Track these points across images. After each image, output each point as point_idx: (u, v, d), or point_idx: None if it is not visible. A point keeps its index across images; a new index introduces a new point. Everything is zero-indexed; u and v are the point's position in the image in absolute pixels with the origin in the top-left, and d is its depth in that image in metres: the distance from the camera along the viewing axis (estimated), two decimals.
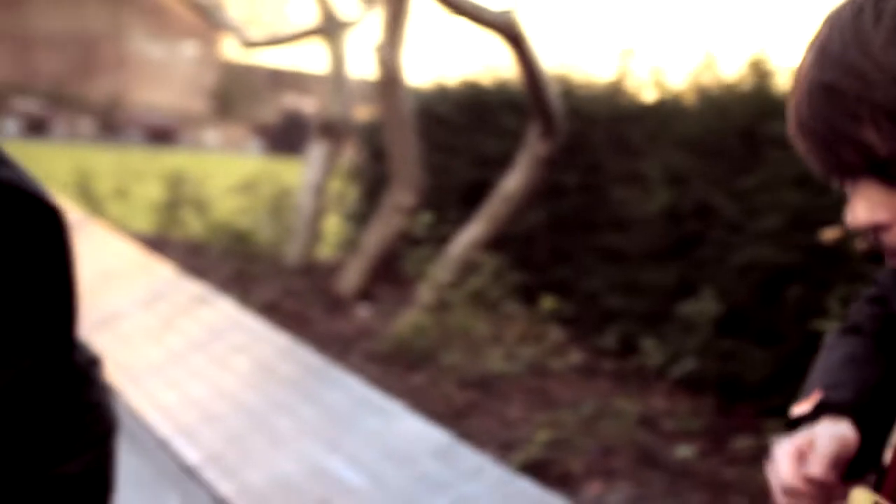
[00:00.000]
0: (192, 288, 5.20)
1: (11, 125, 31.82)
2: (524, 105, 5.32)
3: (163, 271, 5.55)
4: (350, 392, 3.82)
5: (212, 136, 34.58)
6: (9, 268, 1.81)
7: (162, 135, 31.54)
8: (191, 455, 3.76)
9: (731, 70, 4.73)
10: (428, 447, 3.32)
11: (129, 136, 31.13)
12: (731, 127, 4.47)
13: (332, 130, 6.82)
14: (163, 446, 3.92)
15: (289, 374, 4.10)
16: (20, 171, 1.74)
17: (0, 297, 1.80)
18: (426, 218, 5.32)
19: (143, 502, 3.99)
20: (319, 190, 6.69)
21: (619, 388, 4.36)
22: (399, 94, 5.82)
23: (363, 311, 5.39)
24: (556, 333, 4.74)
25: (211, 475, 3.60)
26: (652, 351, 4.35)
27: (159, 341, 4.75)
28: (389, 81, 5.78)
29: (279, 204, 7.20)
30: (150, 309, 5.09)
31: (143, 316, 5.05)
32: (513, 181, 5.21)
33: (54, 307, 1.78)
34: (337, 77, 6.86)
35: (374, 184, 6.64)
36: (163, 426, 4.02)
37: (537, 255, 5.44)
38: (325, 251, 7.09)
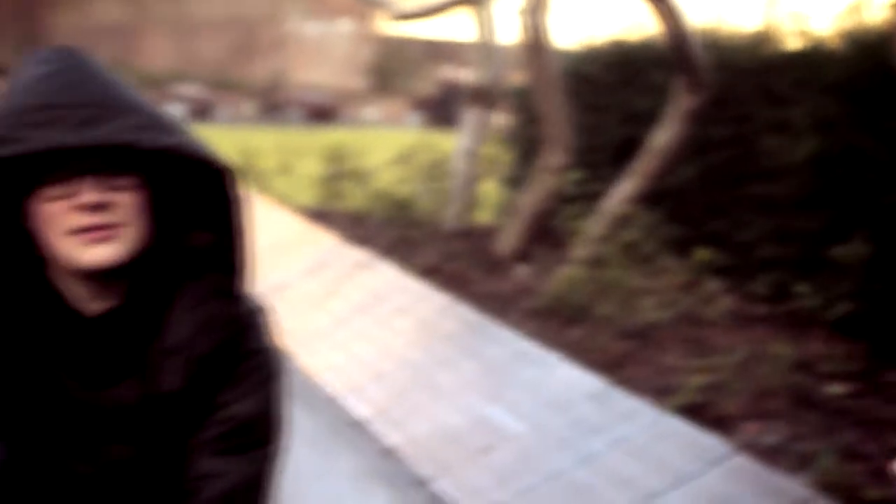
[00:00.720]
0: (355, 255, 5.40)
1: (177, 110, 32.73)
2: (671, 60, 5.37)
3: (326, 241, 5.76)
4: (508, 346, 3.95)
5: (371, 111, 34.99)
6: (182, 222, 1.99)
7: (322, 113, 32.06)
8: (359, 410, 3.95)
9: (875, 12, 4.72)
10: (584, 393, 3.44)
11: (289, 115, 31.73)
12: (878, 70, 4.46)
13: (484, 97, 6.96)
14: (333, 403, 4.12)
15: (450, 331, 4.26)
16: (188, 137, 1.92)
17: (178, 241, 1.98)
18: (576, 175, 5.42)
19: (317, 455, 4.20)
20: (474, 156, 6.85)
21: (774, 334, 4.42)
22: (546, 57, 5.92)
23: (520, 271, 5.52)
24: (710, 284, 4.80)
25: (378, 428, 3.78)
26: (808, 295, 4.39)
27: (325, 307, 4.96)
28: (536, 45, 5.89)
29: (436, 172, 7.37)
30: (316, 277, 5.30)
31: (310, 283, 5.27)
32: (662, 136, 5.28)
33: (225, 252, 1.95)
34: (486, 44, 6.99)
35: (527, 147, 6.76)
36: (332, 385, 4.21)
37: (689, 208, 5.49)
38: (482, 215, 7.23)
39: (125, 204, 1.94)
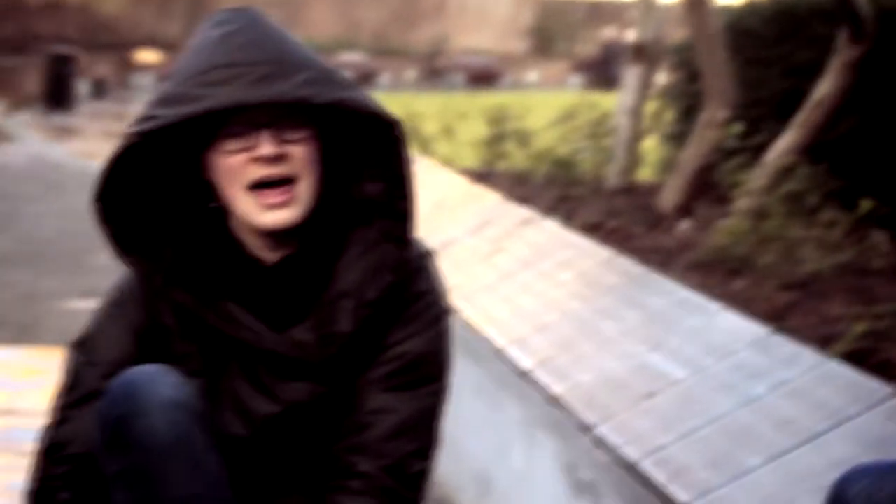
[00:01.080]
0: (519, 212, 5.50)
1: (383, 79, 33.23)
2: (833, 12, 5.34)
3: (490, 199, 5.88)
4: (670, 296, 4.02)
5: (532, 75, 34.94)
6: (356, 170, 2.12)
7: (483, 77, 32.15)
8: (524, 361, 4.06)
9: None
10: (746, 340, 3.50)
11: (451, 81, 31.92)
12: None
13: (646, 54, 6.99)
14: (499, 355, 4.24)
15: (612, 283, 4.34)
16: (359, 92, 2.04)
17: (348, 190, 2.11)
18: (737, 128, 5.43)
19: (485, 405, 4.32)
20: (636, 113, 6.89)
21: None
22: (707, 12, 5.94)
23: (683, 226, 5.56)
24: (873, 235, 4.79)
25: (543, 378, 3.89)
26: None
27: (490, 262, 5.08)
28: (697, 1, 5.90)
29: (598, 130, 7.42)
30: (480, 234, 5.42)
31: (474, 240, 5.39)
32: (824, 88, 5.26)
33: (394, 200, 2.08)
34: (646, 1, 7.02)
35: (688, 103, 6.77)
36: (498, 338, 4.33)
37: (852, 160, 5.46)
38: (644, 172, 7.27)
39: (299, 156, 2.09)
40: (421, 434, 2.14)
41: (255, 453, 2.10)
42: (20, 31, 28.72)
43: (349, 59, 33.23)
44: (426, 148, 8.40)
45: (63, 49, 25.48)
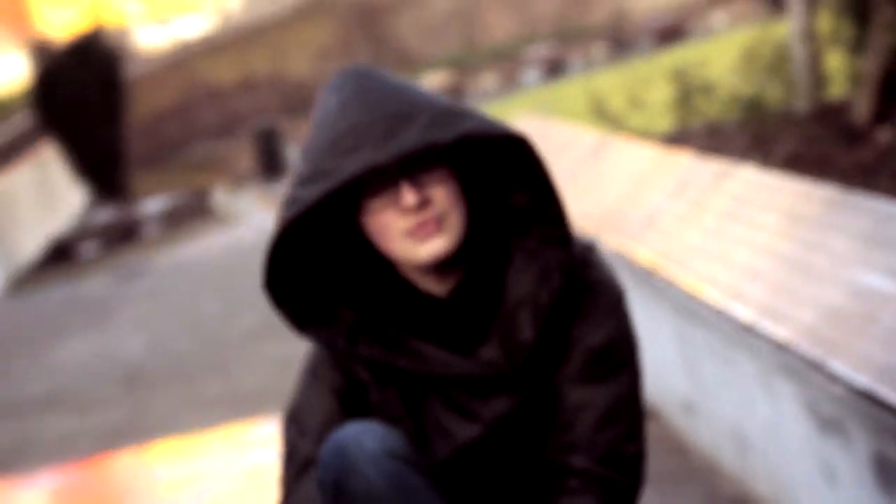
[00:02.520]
0: (714, 167, 5.45)
1: (532, 74, 33.24)
2: None
3: (684, 161, 5.84)
4: (877, 213, 3.94)
5: (719, 17, 34.20)
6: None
7: (670, 34, 31.66)
8: (746, 314, 4.04)
9: None
10: None
11: (640, 46, 31.56)
12: None
13: None
14: (721, 314, 4.22)
15: (816, 214, 4.27)
16: (481, 118, 2.10)
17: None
18: None
19: (717, 364, 4.31)
20: (808, 34, 6.74)
21: None
22: None
23: (881, 135, 5.42)
24: None
25: (768, 326, 3.86)
26: None
27: (694, 222, 5.05)
28: None
29: (777, 60, 7.28)
30: (680, 197, 5.40)
31: (676, 205, 5.37)
32: None
33: (544, 206, 2.13)
34: None
35: (860, 10, 6.58)
36: (716, 296, 4.32)
37: None
38: (833, 90, 7.10)
39: (441, 195, 2.17)
40: (626, 418, 2.19)
41: (468, 476, 2.18)
42: (222, 114, 29.83)
43: (536, 53, 33.23)
44: (617, 124, 8.39)
45: (265, 121, 26.34)
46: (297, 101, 31.78)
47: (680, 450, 4.83)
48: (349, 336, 2.16)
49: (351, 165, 2.05)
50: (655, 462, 4.55)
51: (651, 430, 4.83)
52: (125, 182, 20.92)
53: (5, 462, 7.22)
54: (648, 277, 4.93)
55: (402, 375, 2.18)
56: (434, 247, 2.12)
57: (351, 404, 2.21)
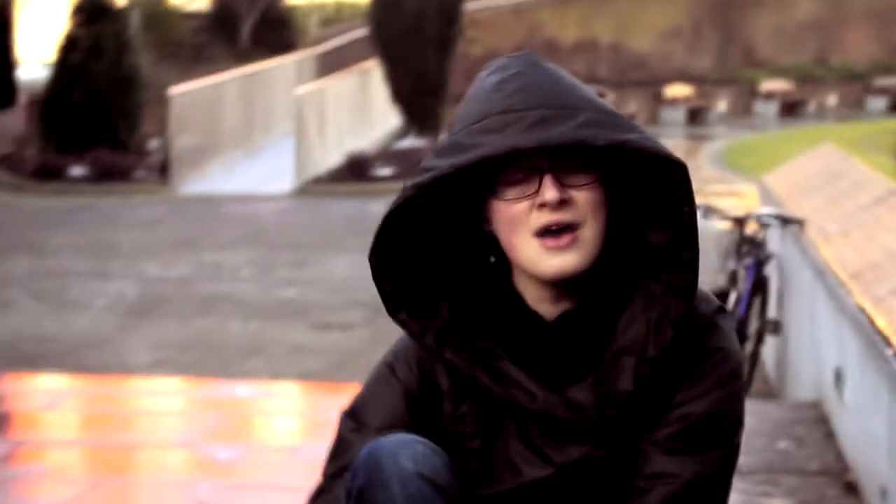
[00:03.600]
0: None
1: (878, 103, 31.91)
2: None
3: None
4: None
5: None
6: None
7: None
8: None
9: None
10: None
11: None
12: None
13: None
14: None
15: None
16: (641, 134, 1.91)
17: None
18: None
19: None
20: None
21: None
22: None
23: None
24: None
25: None
26: None
27: None
28: None
29: None
30: None
31: None
32: None
33: (680, 251, 1.92)
34: None
35: None
36: None
37: None
38: None
39: (584, 201, 1.97)
40: (702, 502, 1.95)
41: None
42: None
43: (885, 83, 31.88)
44: None
45: (592, 86, 26.23)
46: (632, 73, 31.49)
47: None
48: (438, 336, 1.99)
49: (493, 144, 1.88)
50: None
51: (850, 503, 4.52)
52: (438, 115, 21.15)
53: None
54: (880, 346, 4.55)
55: (482, 394, 2.00)
56: (563, 261, 1.92)
57: (421, 411, 2.04)
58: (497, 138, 1.88)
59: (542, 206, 1.91)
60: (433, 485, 1.87)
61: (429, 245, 2.02)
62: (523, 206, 1.93)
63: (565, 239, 1.91)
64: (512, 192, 1.94)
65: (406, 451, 1.88)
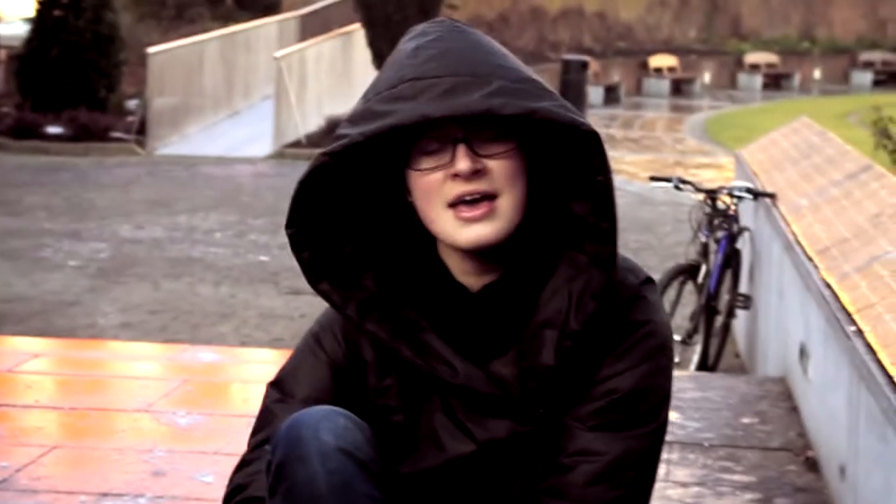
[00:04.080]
0: None
1: (864, 78, 31.91)
2: None
3: None
4: None
5: None
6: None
7: None
8: None
9: None
10: None
11: None
12: None
13: None
14: (887, 377, 3.81)
15: None
16: (555, 101, 1.86)
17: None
18: None
19: (872, 436, 3.91)
20: None
21: None
22: None
23: None
24: None
25: None
26: None
27: None
28: None
29: None
30: None
31: None
32: None
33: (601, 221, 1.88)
34: None
35: None
36: (888, 358, 3.90)
37: None
38: None
39: (499, 171, 1.93)
40: (628, 480, 1.92)
41: (447, 491, 1.96)
42: (538, 39, 29.71)
43: (870, 58, 31.87)
44: None
45: (576, 56, 26.10)
46: (616, 43, 31.39)
47: None
48: (360, 307, 1.95)
49: (404, 112, 1.83)
50: None
51: (808, 483, 4.50)
52: None
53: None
54: (843, 322, 4.52)
55: (406, 367, 1.96)
56: (478, 231, 1.88)
57: (346, 383, 2.01)
58: (408, 106, 1.84)
59: (456, 176, 1.87)
60: (354, 459, 1.83)
61: (349, 214, 1.98)
62: (437, 176, 1.89)
63: (481, 209, 1.87)
64: (426, 162, 1.90)
65: (327, 424, 1.84)
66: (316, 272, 1.96)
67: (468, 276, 1.95)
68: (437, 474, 1.95)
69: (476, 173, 1.87)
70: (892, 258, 4.69)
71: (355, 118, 1.89)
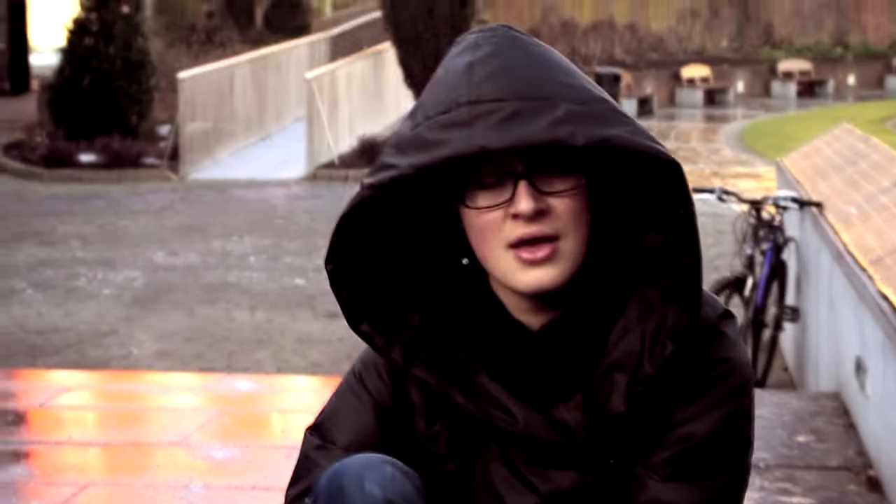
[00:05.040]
0: None
1: None
2: None
3: None
4: None
5: None
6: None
7: None
8: None
9: None
10: None
11: None
12: None
13: None
14: None
15: None
16: (630, 127, 1.69)
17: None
18: None
19: None
20: None
21: None
22: None
23: None
24: None
25: None
26: None
27: None
28: None
29: None
30: None
31: None
32: None
33: (679, 255, 1.71)
34: None
35: None
36: None
37: None
38: None
39: (564, 210, 1.73)
40: None
41: None
42: (569, 52, 29.52)
43: (791, 67, 31.63)
44: None
45: (608, 68, 25.90)
46: (648, 54, 31.15)
47: None
48: (406, 349, 1.76)
49: (458, 143, 1.63)
50: None
51: (871, 503, 4.31)
52: None
53: None
54: None
55: (458, 412, 1.77)
56: (540, 276, 1.68)
57: (393, 427, 1.82)
58: (464, 135, 1.63)
59: (516, 216, 1.68)
60: None
61: (394, 248, 1.79)
62: (495, 215, 1.69)
63: (543, 251, 1.68)
64: (483, 199, 1.70)
65: (373, 474, 1.67)
66: (356, 311, 1.77)
67: (526, 314, 1.76)
68: None
69: (539, 214, 1.68)
70: None
71: (403, 146, 1.68)
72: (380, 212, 1.73)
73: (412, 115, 1.73)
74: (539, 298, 1.73)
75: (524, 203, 1.66)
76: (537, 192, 1.67)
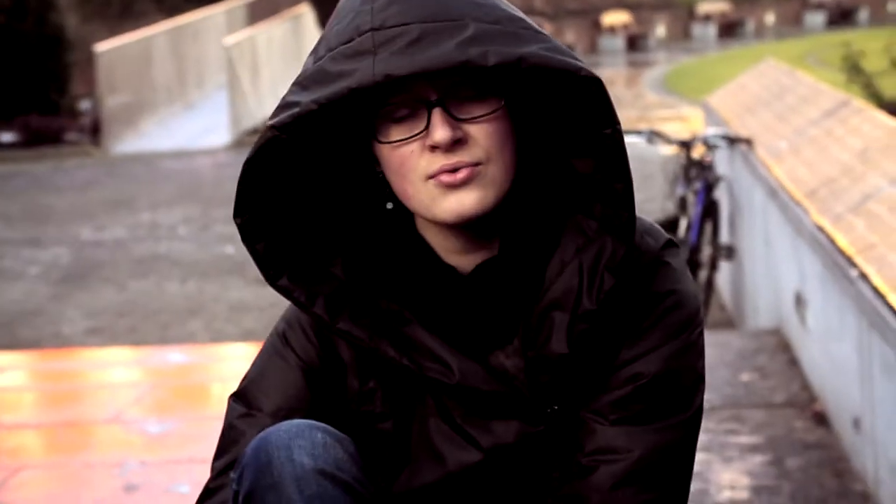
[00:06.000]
0: None
1: (817, 18, 31.87)
2: None
3: None
4: None
5: None
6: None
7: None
8: None
9: None
10: None
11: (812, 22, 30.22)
12: None
13: None
14: None
15: None
16: (546, 45, 1.59)
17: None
18: None
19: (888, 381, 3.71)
20: None
21: None
22: None
23: None
24: None
25: None
26: None
27: None
28: None
29: None
30: None
31: None
32: None
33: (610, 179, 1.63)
34: None
35: None
36: None
37: None
38: None
39: (485, 136, 1.62)
40: (660, 479, 1.64)
41: None
42: None
43: (710, 10, 31.82)
44: (870, 87, 7.60)
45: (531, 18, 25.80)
46: (566, 4, 31.08)
47: (841, 472, 4.23)
48: (330, 303, 1.65)
49: (361, 73, 1.52)
50: (815, 478, 3.99)
51: (819, 439, 4.26)
52: None
53: None
54: (843, 266, 4.29)
55: (391, 366, 1.67)
56: (462, 200, 1.57)
57: (323, 388, 1.70)
58: (368, 64, 1.52)
59: (434, 148, 1.57)
60: (337, 482, 1.54)
61: (310, 195, 1.67)
62: (412, 148, 1.58)
63: (463, 172, 1.56)
64: (396, 132, 1.58)
65: (302, 441, 1.56)
66: (274, 265, 1.64)
67: (456, 256, 1.66)
68: (438, 490, 1.66)
69: (457, 143, 1.58)
70: (887, 194, 4.46)
71: (306, 81, 1.57)
72: (291, 157, 1.62)
73: (315, 49, 1.62)
74: (467, 235, 1.62)
75: (440, 132, 1.55)
76: (453, 120, 1.56)
